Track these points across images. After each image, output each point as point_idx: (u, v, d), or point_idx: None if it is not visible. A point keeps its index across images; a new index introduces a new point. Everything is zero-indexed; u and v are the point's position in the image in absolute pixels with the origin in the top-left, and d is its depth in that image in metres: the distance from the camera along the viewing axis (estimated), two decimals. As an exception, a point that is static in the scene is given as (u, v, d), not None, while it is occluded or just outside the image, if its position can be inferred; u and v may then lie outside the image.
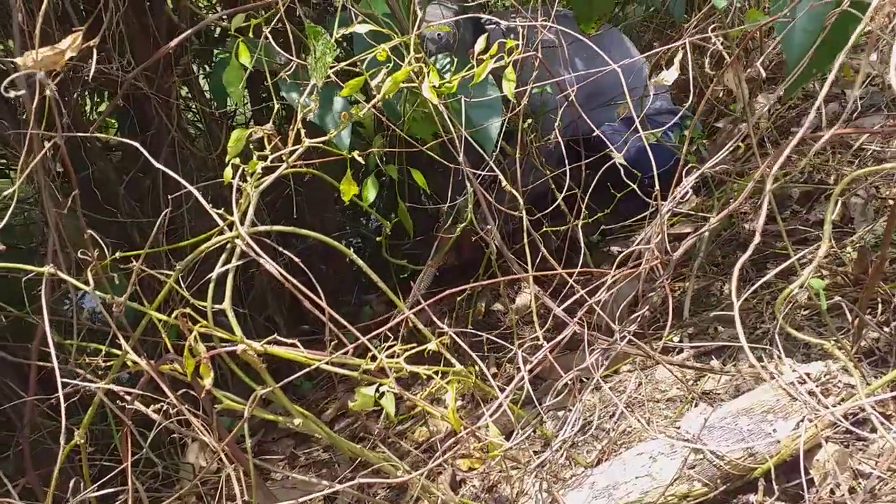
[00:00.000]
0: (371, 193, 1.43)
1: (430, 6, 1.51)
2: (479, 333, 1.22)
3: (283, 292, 2.32)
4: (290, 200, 2.15)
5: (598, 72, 1.09)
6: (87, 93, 2.11)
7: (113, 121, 2.36)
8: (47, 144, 0.93)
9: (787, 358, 1.04)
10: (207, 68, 2.26)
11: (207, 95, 2.11)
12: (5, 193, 0.80)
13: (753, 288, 1.01)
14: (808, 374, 1.00)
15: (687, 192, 1.07)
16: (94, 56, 0.94)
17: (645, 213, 1.44)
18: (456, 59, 1.35)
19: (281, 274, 0.93)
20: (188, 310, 0.86)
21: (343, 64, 1.18)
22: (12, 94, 0.79)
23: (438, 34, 1.46)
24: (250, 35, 1.26)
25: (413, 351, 0.91)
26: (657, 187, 1.02)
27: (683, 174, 1.09)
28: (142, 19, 1.76)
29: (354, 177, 1.23)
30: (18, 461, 1.57)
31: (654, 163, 1.01)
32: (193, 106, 2.10)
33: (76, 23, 1.58)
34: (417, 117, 1.50)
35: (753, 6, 1.29)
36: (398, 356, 0.94)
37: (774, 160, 0.85)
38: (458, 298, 2.00)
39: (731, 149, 1.55)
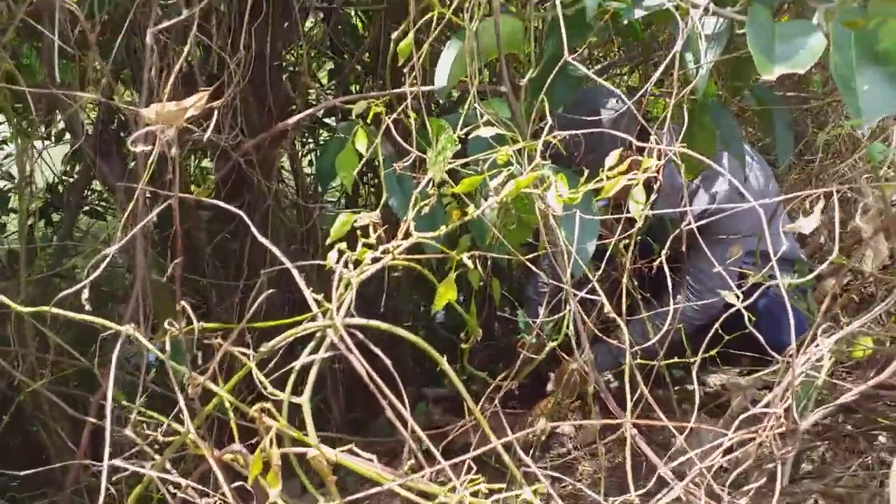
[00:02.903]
0: (451, 294, 1.36)
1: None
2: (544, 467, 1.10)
3: (338, 376, 2.24)
4: (365, 285, 2.10)
5: (734, 208, 1.01)
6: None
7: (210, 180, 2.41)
8: (155, 203, 0.90)
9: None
10: (309, 140, 2.30)
11: (305, 169, 2.13)
12: (110, 250, 0.76)
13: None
14: None
15: (822, 357, 0.96)
16: (214, 119, 0.93)
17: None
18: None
19: (368, 374, 0.86)
20: (268, 404, 0.78)
21: (459, 162, 1.14)
22: (140, 148, 0.77)
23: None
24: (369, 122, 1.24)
25: (503, 496, 0.79)
26: (793, 345, 0.91)
27: (818, 333, 0.98)
28: (258, 87, 1.79)
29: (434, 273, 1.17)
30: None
31: (791, 321, 0.90)
32: (290, 178, 2.12)
33: (199, 84, 1.63)
34: (510, 224, 1.45)
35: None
36: (483, 495, 0.83)
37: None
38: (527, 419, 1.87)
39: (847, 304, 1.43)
